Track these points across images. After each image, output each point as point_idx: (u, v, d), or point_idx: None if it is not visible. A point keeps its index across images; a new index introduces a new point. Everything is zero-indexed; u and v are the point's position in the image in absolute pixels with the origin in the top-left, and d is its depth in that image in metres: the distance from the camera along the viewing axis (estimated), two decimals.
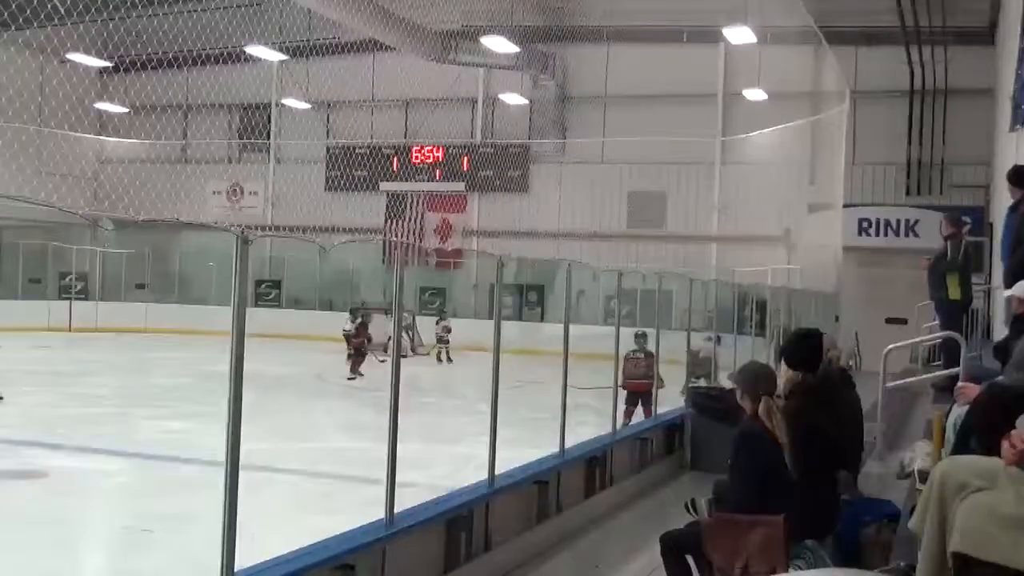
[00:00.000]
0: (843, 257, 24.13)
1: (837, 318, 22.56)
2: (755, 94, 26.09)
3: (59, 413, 14.24)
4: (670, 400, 12.77)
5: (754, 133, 25.21)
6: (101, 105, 33.96)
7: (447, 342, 25.02)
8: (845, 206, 24.55)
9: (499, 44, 26.63)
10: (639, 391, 12.81)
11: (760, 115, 25.41)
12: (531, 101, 31.53)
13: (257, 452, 5.30)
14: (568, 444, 9.12)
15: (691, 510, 5.94)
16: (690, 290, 14.25)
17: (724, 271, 22.80)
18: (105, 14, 23.45)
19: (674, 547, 5.73)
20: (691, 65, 28.30)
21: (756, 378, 5.75)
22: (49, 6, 18.94)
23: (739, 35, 23.37)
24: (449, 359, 24.70)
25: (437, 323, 25.71)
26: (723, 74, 29.08)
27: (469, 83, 31.67)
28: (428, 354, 24.95)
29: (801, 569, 5.15)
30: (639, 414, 12.86)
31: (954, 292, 10.68)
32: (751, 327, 17.36)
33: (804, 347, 6.43)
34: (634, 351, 13.10)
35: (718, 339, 15.96)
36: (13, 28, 23.57)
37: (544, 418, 11.36)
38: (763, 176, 24.71)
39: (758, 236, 25.65)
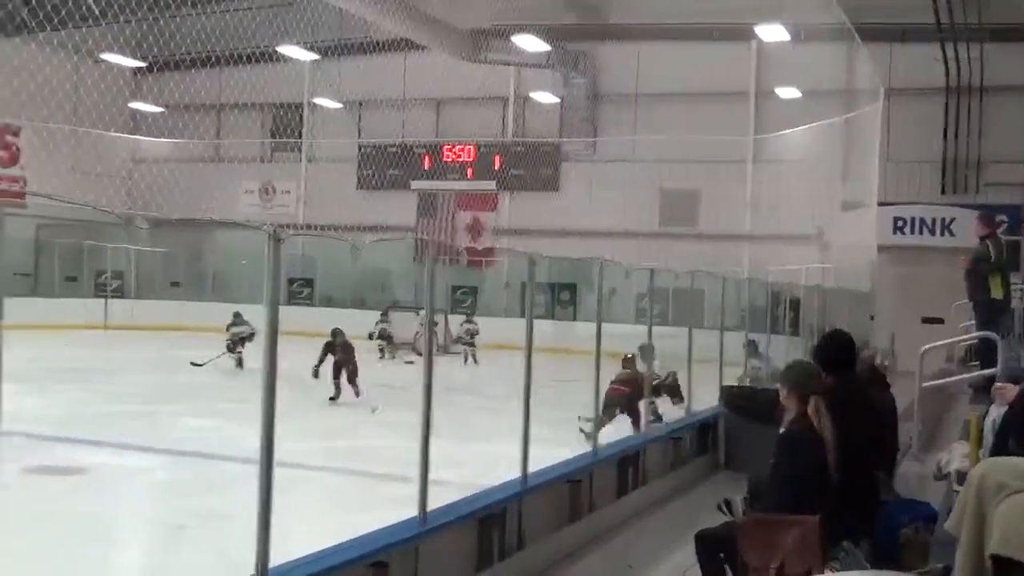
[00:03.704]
0: (877, 256, 23.90)
1: (872, 317, 22.37)
2: (788, 92, 25.89)
3: (96, 410, 14.38)
4: (704, 399, 12.68)
5: (787, 131, 25.03)
6: (135, 105, 34.27)
7: (472, 344, 24.69)
8: (879, 204, 24.31)
9: (530, 42, 26.61)
10: (613, 395, 11.84)
11: (793, 113, 25.22)
12: (562, 99, 31.49)
13: (290, 450, 5.32)
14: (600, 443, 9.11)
15: (725, 510, 5.89)
16: (723, 289, 14.18)
17: (757, 270, 22.66)
18: (139, 15, 23.68)
19: (708, 546, 5.70)
20: (723, 63, 28.16)
21: (804, 377, 5.69)
22: (84, 7, 19.12)
23: (771, 32, 23.19)
24: (475, 360, 24.26)
25: (461, 324, 25.43)
26: (755, 72, 28.92)
27: (500, 81, 31.67)
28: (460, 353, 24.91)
29: (837, 570, 5.11)
30: (625, 428, 11.91)
31: (996, 291, 10.59)
32: (784, 326, 17.24)
33: (836, 347, 6.37)
34: (629, 357, 12.55)
35: (754, 346, 15.73)
36: (49, 29, 23.76)
37: (575, 417, 11.38)
38: (796, 174, 24.52)
39: (791, 235, 25.46)
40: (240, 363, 19.95)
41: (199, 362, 19.59)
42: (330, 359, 16.48)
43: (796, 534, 5.14)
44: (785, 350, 15.72)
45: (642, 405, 11.64)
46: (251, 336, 19.34)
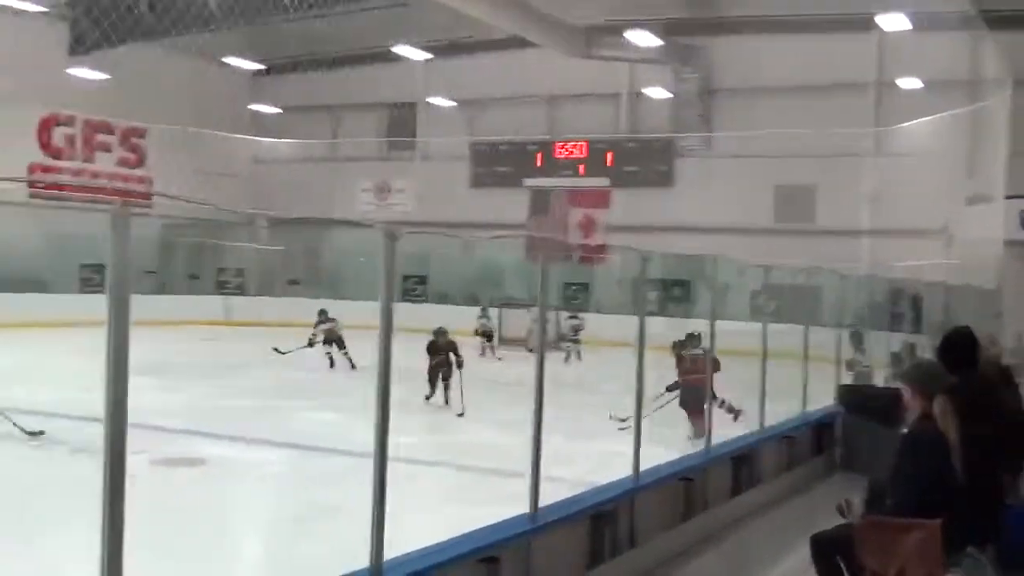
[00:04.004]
0: (1005, 251, 23.05)
1: (999, 315, 21.59)
2: (910, 83, 25.17)
3: (218, 404, 14.80)
4: (819, 399, 12.41)
5: (909, 123, 24.35)
6: (255, 106, 35.18)
7: (577, 341, 23.91)
8: (1007, 198, 23.44)
9: (643, 38, 26.44)
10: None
11: (914, 104, 24.52)
12: (675, 95, 31.18)
13: (403, 444, 5.38)
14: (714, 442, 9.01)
15: (846, 509, 5.76)
16: (840, 286, 13.86)
17: (876, 266, 22.10)
18: (258, 18, 24.28)
19: (825, 549, 5.57)
20: (841, 54, 27.53)
21: (929, 376, 5.52)
22: (206, 12, 19.71)
23: (893, 22, 22.57)
24: (578, 357, 23.52)
25: (566, 320, 24.79)
26: (876, 63, 28.17)
27: (612, 78, 31.52)
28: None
29: None
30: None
31: None
32: (906, 324, 16.77)
33: (959, 345, 6.15)
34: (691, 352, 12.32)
35: (859, 337, 15.27)
36: (173, 34, 24.61)
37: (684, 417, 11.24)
38: (918, 168, 23.83)
39: (912, 230, 24.73)
40: (332, 363, 20.19)
41: (282, 350, 20.26)
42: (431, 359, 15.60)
43: (917, 538, 5.00)
44: (908, 350, 15.28)
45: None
46: (339, 338, 19.86)
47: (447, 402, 15.17)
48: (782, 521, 9.26)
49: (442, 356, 15.40)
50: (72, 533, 6.35)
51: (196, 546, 7.41)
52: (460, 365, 15.24)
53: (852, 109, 27.70)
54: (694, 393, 11.51)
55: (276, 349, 20.51)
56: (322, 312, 20.80)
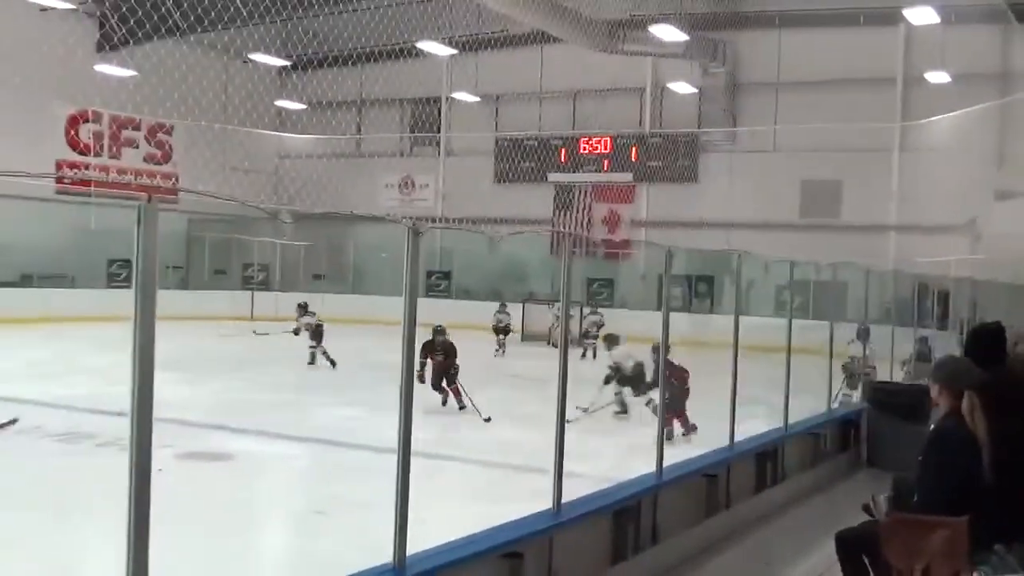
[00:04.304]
0: None
1: None
2: (938, 76, 24.97)
3: (243, 398, 14.87)
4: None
5: (936, 117, 24.15)
6: (280, 103, 35.31)
7: (596, 337, 20.71)
8: None
9: (668, 32, 26.31)
10: None
11: (942, 98, 24.33)
12: (700, 89, 31.06)
13: (426, 440, 5.40)
14: (737, 438, 8.97)
15: (873, 507, 5.71)
16: (866, 281, 13.77)
17: (903, 261, 21.94)
18: (284, 15, 24.37)
19: (850, 546, 5.54)
20: (868, 48, 27.35)
21: (957, 373, 5.46)
22: (232, 9, 19.79)
23: (921, 15, 22.40)
24: (594, 355, 20.51)
25: (586, 316, 24.00)
26: (903, 56, 27.97)
27: (637, 72, 31.44)
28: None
29: (987, 575, 4.90)
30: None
31: None
32: (932, 320, 16.64)
33: (987, 340, 6.08)
34: None
35: (866, 333, 15.00)
36: (199, 30, 24.73)
37: (712, 411, 11.19)
38: (946, 162, 23.66)
39: (940, 225, 24.57)
40: (313, 359, 19.39)
41: (260, 332, 21.69)
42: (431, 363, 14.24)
43: (943, 536, 4.95)
44: (937, 346, 15.15)
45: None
46: (320, 333, 19.34)
47: (459, 404, 14.19)
48: (806, 518, 9.22)
49: (440, 357, 14.29)
50: (98, 526, 6.40)
51: (220, 539, 7.45)
52: (455, 374, 14.20)
53: (879, 104, 27.51)
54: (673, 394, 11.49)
55: (255, 332, 21.44)
56: (302, 306, 20.21)
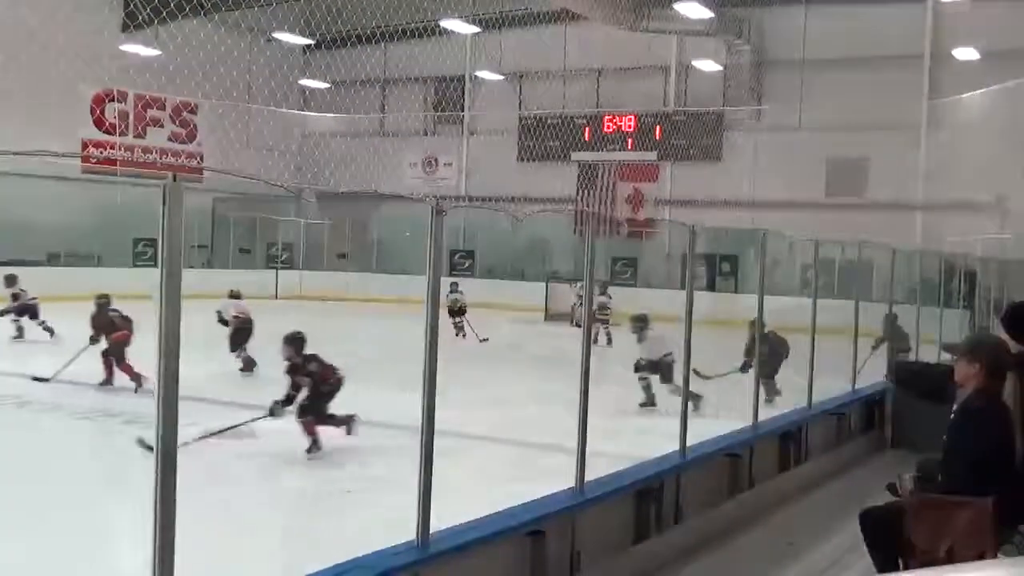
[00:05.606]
0: None
1: None
2: (966, 53, 24.68)
3: (267, 375, 14.91)
4: (868, 375, 12.28)
5: (965, 94, 23.88)
6: (304, 81, 35.38)
7: (606, 320, 19.98)
8: None
9: (693, 9, 26.16)
10: None
11: (971, 75, 24.06)
12: (725, 67, 30.85)
13: (449, 419, 5.41)
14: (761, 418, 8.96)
15: (895, 489, 5.69)
16: (892, 260, 13.68)
17: (930, 240, 21.78)
18: None
19: (874, 526, 5.52)
20: (895, 25, 27.05)
21: (987, 350, 5.40)
22: None
23: None
24: (608, 341, 19.66)
25: (596, 296, 20.77)
26: (931, 33, 27.66)
27: (661, 50, 31.23)
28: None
29: (1013, 555, 4.88)
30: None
31: None
32: (959, 299, 16.51)
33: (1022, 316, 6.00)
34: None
35: (893, 317, 14.72)
36: (223, 9, 24.77)
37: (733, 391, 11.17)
38: (974, 140, 23.41)
39: (967, 203, 24.33)
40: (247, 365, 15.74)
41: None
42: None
43: (968, 516, 4.93)
44: (960, 324, 15.02)
45: None
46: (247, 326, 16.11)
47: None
48: (830, 498, 9.20)
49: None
50: (126, 503, 6.46)
51: (245, 517, 7.52)
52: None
53: (906, 81, 27.23)
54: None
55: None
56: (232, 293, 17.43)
